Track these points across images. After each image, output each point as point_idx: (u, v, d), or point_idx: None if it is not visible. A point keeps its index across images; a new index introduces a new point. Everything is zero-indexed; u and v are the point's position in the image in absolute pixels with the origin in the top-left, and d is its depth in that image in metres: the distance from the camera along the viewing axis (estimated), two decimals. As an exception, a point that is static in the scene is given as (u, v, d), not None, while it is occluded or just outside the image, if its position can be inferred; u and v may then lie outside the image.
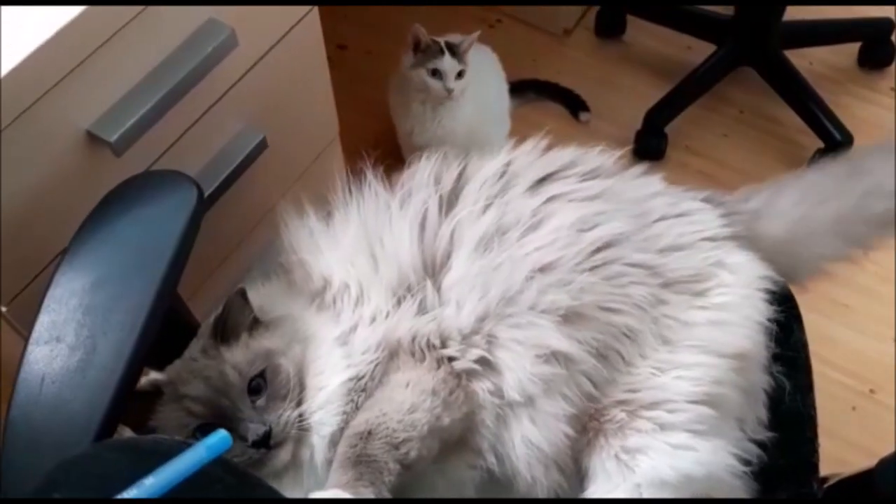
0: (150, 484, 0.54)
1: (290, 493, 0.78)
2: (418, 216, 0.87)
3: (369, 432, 0.76)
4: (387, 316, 0.84)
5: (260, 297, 0.89)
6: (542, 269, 0.83)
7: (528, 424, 0.81)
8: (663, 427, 0.82)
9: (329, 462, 0.80)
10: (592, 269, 0.85)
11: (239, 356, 0.81)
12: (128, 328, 0.72)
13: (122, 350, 0.71)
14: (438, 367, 0.82)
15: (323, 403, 0.81)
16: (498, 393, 0.82)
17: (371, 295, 0.86)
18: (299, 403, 0.81)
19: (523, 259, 0.83)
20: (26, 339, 0.74)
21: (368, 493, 0.72)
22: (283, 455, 0.79)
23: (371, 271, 0.86)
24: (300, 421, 0.80)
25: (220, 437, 0.59)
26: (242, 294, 0.84)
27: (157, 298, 0.73)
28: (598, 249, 0.86)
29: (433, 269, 0.86)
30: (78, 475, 0.54)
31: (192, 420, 0.78)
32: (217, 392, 0.78)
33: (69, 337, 0.73)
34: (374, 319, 0.85)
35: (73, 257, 0.77)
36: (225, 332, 0.83)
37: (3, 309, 0.89)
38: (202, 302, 0.99)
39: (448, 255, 0.86)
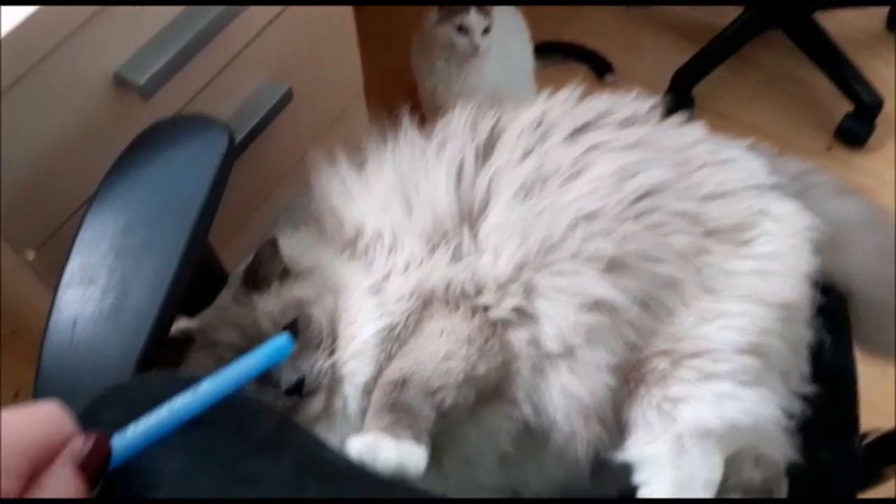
0: (206, 390, 0.50)
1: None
2: (455, 164, 0.85)
3: (404, 380, 0.75)
4: (420, 264, 0.82)
5: (290, 246, 0.87)
6: (585, 218, 0.81)
7: (568, 375, 0.79)
8: (708, 376, 0.79)
9: (363, 411, 0.78)
10: (634, 217, 0.82)
11: (271, 305, 0.80)
12: (160, 273, 0.70)
13: (154, 295, 0.69)
14: (473, 315, 0.80)
15: (355, 353, 0.79)
16: (535, 343, 0.80)
17: (405, 242, 0.83)
18: (332, 353, 0.79)
19: (565, 207, 0.81)
20: (56, 283, 0.72)
21: (407, 437, 0.71)
22: (316, 404, 0.77)
23: (405, 218, 0.84)
24: (333, 370, 0.78)
25: (281, 343, 0.55)
26: (273, 243, 0.83)
27: (190, 243, 0.71)
28: (639, 198, 0.84)
29: (470, 217, 0.83)
30: (126, 397, 0.52)
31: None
32: (250, 340, 0.77)
33: (101, 279, 0.71)
34: (407, 267, 0.82)
35: (104, 200, 0.75)
36: (256, 280, 0.81)
37: (31, 255, 0.87)
38: (231, 254, 0.97)
39: (485, 203, 0.83)
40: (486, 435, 0.81)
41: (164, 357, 0.74)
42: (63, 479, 0.43)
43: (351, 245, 0.86)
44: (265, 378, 0.76)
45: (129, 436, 0.47)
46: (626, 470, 0.82)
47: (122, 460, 0.46)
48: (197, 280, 0.76)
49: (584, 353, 0.79)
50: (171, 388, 0.50)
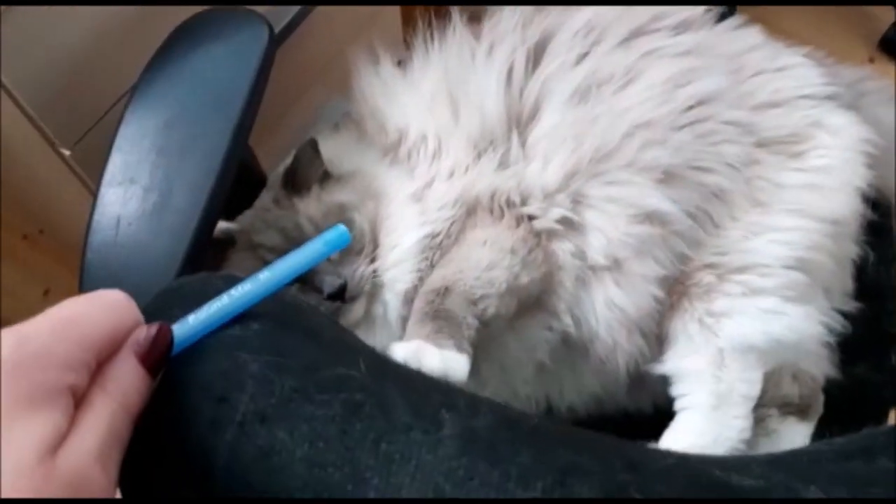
0: (266, 277, 0.49)
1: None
2: (505, 67, 0.82)
3: (446, 288, 0.74)
4: (466, 170, 0.80)
5: (330, 149, 0.85)
6: (640, 126, 0.78)
7: (613, 287, 0.78)
8: (753, 291, 0.78)
9: (403, 319, 0.78)
10: (686, 126, 0.80)
11: (312, 208, 0.79)
12: (204, 170, 0.69)
13: (198, 193, 0.68)
14: (517, 225, 0.79)
15: (397, 261, 0.78)
16: (580, 255, 0.79)
17: (449, 148, 0.81)
18: (373, 259, 0.78)
19: (620, 114, 0.78)
20: (98, 181, 0.71)
21: (449, 345, 0.71)
22: (357, 309, 0.77)
23: (451, 122, 0.82)
24: (374, 276, 0.77)
25: (340, 232, 0.53)
26: (313, 145, 0.81)
27: (233, 140, 0.70)
28: (692, 106, 0.81)
29: (518, 123, 0.81)
30: (193, 291, 0.51)
31: None
32: (292, 243, 0.76)
33: (143, 178, 0.70)
34: (451, 174, 0.81)
35: (144, 95, 0.73)
36: (296, 182, 0.80)
37: (67, 153, 0.86)
38: (265, 154, 0.95)
39: (535, 109, 0.81)
40: (524, 345, 0.81)
41: (206, 258, 0.74)
42: (127, 369, 0.43)
43: (393, 149, 0.84)
44: (306, 283, 0.76)
45: (191, 323, 0.47)
46: (664, 382, 0.82)
47: (184, 347, 0.46)
48: (236, 181, 0.75)
49: (631, 266, 0.78)
50: (232, 283, 0.50)
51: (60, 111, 0.83)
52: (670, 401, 0.82)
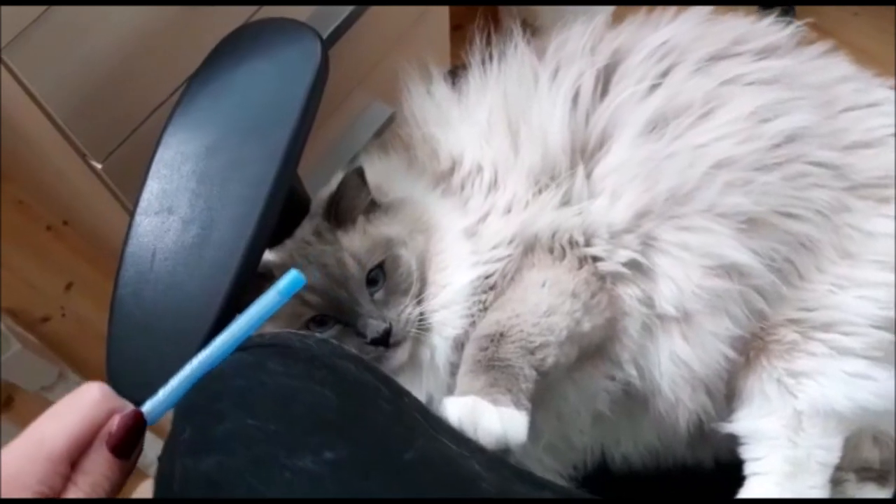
0: (225, 339, 0.53)
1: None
2: (571, 92, 0.75)
3: (501, 334, 0.68)
4: (525, 206, 0.74)
5: (377, 174, 0.78)
6: (722, 166, 0.71)
7: (680, 341, 0.72)
8: (839, 351, 0.72)
9: (453, 365, 0.72)
10: (772, 167, 0.73)
11: (357, 243, 0.72)
12: (249, 201, 0.63)
13: (242, 227, 0.62)
14: (580, 266, 0.72)
15: (446, 302, 0.72)
16: (647, 302, 0.72)
17: (508, 180, 0.75)
18: (420, 301, 0.72)
19: (701, 151, 0.71)
20: (133, 208, 0.65)
21: (506, 401, 0.65)
22: (401, 355, 0.71)
23: (510, 152, 0.75)
24: (421, 319, 0.71)
25: (293, 277, 0.54)
26: (360, 174, 0.74)
27: (282, 168, 0.63)
28: (779, 144, 0.74)
29: (584, 154, 0.74)
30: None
31: (306, 311, 0.70)
32: (334, 282, 0.70)
33: (182, 208, 0.64)
34: (509, 209, 0.74)
35: (184, 115, 0.67)
36: (340, 214, 0.73)
37: (98, 166, 0.80)
38: (302, 163, 0.89)
39: (604, 139, 0.74)
40: (583, 395, 0.75)
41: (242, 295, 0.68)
42: (99, 461, 0.49)
43: (445, 179, 0.77)
44: (347, 325, 0.70)
45: (161, 398, 0.52)
46: (727, 438, 0.76)
47: (157, 419, 0.52)
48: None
49: (702, 321, 0.71)
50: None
51: (91, 122, 0.77)
52: (733, 456, 0.77)
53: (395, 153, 0.82)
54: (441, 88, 0.81)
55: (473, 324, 0.72)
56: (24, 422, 1.40)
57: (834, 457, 0.73)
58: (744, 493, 0.74)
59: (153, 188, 0.65)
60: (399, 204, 0.76)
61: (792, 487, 0.72)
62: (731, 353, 0.72)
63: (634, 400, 0.76)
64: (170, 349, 0.62)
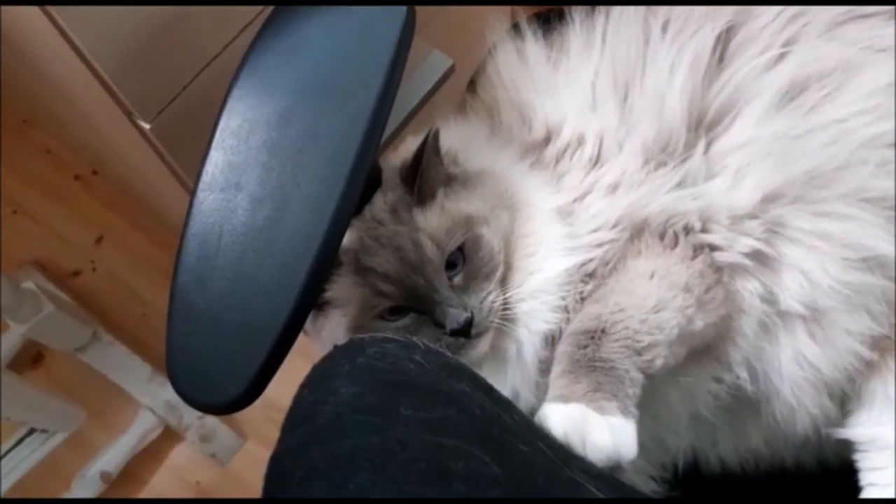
0: None
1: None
2: (689, 56, 0.66)
3: (603, 331, 0.61)
4: (636, 185, 0.65)
5: (453, 140, 0.70)
6: (870, 144, 0.62)
7: (807, 340, 0.64)
8: (985, 357, 0.64)
9: (543, 362, 0.65)
10: None
11: (434, 222, 0.64)
12: (328, 180, 0.55)
13: (320, 210, 0.54)
14: (694, 256, 0.64)
15: (535, 292, 0.65)
16: (769, 298, 0.64)
17: (615, 155, 0.66)
18: (505, 287, 0.65)
19: (845, 128, 0.62)
20: (195, 183, 0.57)
21: (612, 408, 0.58)
22: (482, 346, 0.64)
23: (618, 123, 0.66)
24: (505, 308, 0.64)
25: None
26: (436, 146, 0.65)
27: (366, 140, 0.55)
28: None
29: (703, 127, 0.65)
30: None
31: (380, 301, 0.63)
32: (409, 267, 0.62)
33: (251, 185, 0.56)
34: (615, 188, 0.66)
35: (251, 77, 0.58)
36: (418, 191, 0.65)
37: (146, 126, 0.72)
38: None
39: (727, 111, 0.65)
40: (685, 396, 0.68)
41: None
42: None
43: (536, 150, 0.69)
44: (424, 313, 0.63)
45: None
46: (839, 444, 0.69)
47: None
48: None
49: (836, 318, 0.63)
50: None
51: (139, 79, 0.69)
52: (839, 460, 0.71)
53: (476, 118, 0.73)
54: (535, 48, 0.71)
55: (568, 318, 0.64)
56: (53, 381, 1.34)
57: (965, 472, 0.66)
58: (862, 504, 0.67)
59: (218, 160, 0.57)
60: (479, 176, 0.68)
61: (915, 502, 0.65)
62: (867, 353, 0.65)
63: (742, 403, 0.69)
64: (238, 346, 0.55)
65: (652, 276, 0.63)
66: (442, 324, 0.62)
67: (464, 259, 0.64)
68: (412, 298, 0.63)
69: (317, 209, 0.54)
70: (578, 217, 0.66)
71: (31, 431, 1.26)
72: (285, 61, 0.58)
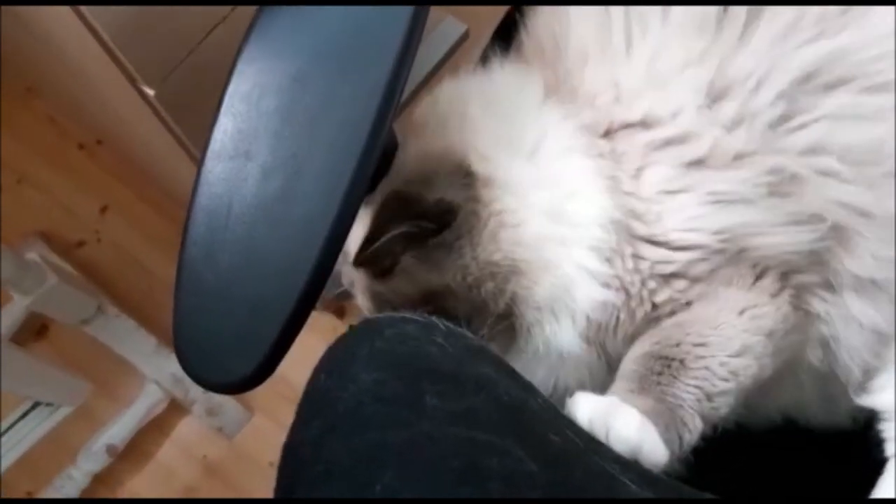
0: None
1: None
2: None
3: (682, 362, 0.57)
4: (745, 205, 0.59)
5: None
6: None
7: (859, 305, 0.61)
8: None
9: (579, 357, 0.62)
10: None
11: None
12: (344, 149, 0.51)
13: (335, 180, 0.51)
14: (780, 290, 0.60)
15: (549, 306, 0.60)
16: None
17: (726, 166, 0.59)
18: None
19: None
20: (203, 151, 0.54)
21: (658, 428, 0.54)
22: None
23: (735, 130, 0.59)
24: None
25: None
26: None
27: (383, 107, 0.52)
28: None
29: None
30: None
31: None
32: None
33: (263, 153, 0.53)
34: (719, 199, 0.59)
35: (262, 38, 0.55)
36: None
37: (151, 93, 0.69)
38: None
39: None
40: None
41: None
42: None
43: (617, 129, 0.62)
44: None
45: None
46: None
47: None
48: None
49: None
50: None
51: (143, 42, 0.66)
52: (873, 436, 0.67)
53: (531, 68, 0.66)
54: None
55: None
56: (58, 353, 1.31)
57: None
58: (886, 479, 0.64)
59: (227, 127, 0.54)
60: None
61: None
62: None
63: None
64: (249, 322, 0.52)
65: (742, 312, 0.59)
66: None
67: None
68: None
69: (331, 180, 0.51)
70: (663, 208, 0.60)
71: (36, 405, 1.24)
72: (298, 23, 0.55)
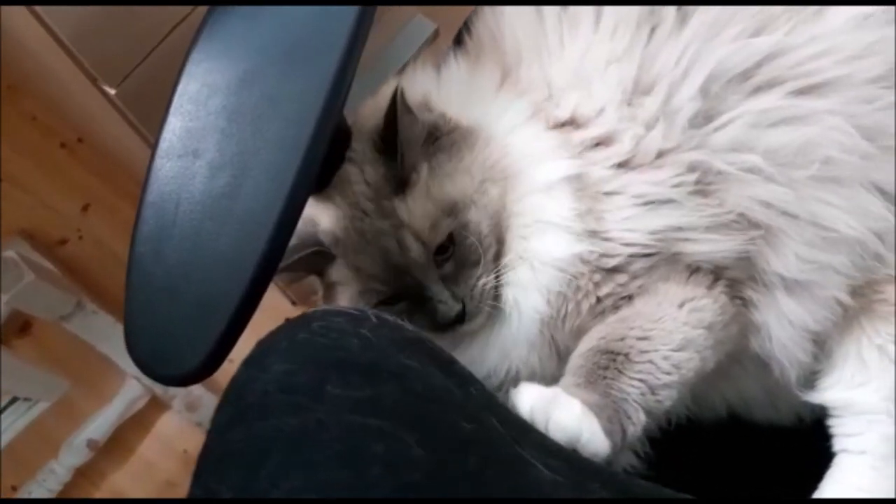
0: None
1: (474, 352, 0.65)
2: None
3: (626, 356, 0.58)
4: (674, 208, 0.61)
5: (452, 85, 0.66)
6: None
7: (788, 302, 0.63)
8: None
9: (532, 342, 0.63)
10: None
11: (419, 214, 0.61)
12: (289, 144, 0.53)
13: (281, 175, 0.53)
14: (713, 284, 0.62)
15: (526, 283, 0.62)
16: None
17: (651, 167, 0.61)
18: (497, 272, 0.62)
19: None
20: (153, 149, 0.56)
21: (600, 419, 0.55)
22: (477, 324, 0.63)
23: (662, 130, 0.61)
24: (496, 295, 0.62)
25: None
26: (405, 103, 0.60)
27: (329, 103, 0.53)
28: None
29: None
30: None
31: (373, 294, 0.63)
32: (397, 269, 0.61)
33: (210, 151, 0.55)
34: (649, 202, 0.60)
35: (211, 39, 0.57)
36: (398, 177, 0.62)
37: (112, 91, 0.71)
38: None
39: None
40: None
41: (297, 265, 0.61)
42: None
43: (558, 126, 0.63)
44: (416, 303, 0.62)
45: None
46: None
47: None
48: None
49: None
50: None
51: (101, 43, 0.67)
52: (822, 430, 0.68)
53: (455, 62, 0.68)
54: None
55: (566, 309, 0.62)
56: (42, 349, 1.33)
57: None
58: (833, 474, 0.66)
59: (175, 127, 0.55)
60: (470, 137, 0.63)
61: (890, 472, 0.64)
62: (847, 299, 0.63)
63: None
64: (197, 317, 0.54)
65: (682, 305, 0.60)
66: (433, 317, 0.61)
67: (453, 245, 0.62)
68: (404, 293, 0.62)
69: (276, 176, 0.53)
70: (604, 208, 0.61)
71: (14, 400, 1.26)
72: (247, 23, 0.57)
